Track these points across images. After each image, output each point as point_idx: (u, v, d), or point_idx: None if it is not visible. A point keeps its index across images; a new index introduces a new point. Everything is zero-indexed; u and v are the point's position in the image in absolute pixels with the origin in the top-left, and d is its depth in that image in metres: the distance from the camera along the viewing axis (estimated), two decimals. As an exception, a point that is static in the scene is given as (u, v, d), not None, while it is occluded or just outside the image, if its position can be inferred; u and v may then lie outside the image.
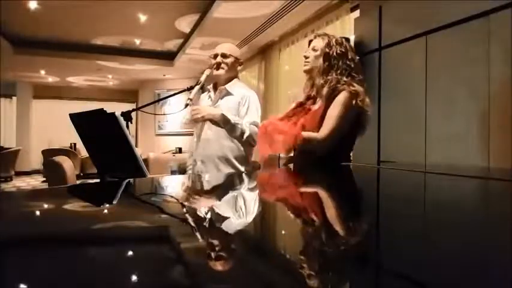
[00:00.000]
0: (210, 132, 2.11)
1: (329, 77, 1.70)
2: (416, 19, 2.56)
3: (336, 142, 1.64)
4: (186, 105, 2.09)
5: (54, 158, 3.97)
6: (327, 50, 1.74)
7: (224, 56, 2.13)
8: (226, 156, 2.09)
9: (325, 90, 1.69)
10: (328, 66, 1.73)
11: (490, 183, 1.34)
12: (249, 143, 2.11)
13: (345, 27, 3.96)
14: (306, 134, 1.64)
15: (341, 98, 1.64)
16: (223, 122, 2.03)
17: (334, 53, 1.73)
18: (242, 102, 2.10)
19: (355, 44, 3.07)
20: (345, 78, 1.69)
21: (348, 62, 1.73)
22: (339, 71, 1.71)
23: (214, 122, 2.06)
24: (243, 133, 2.04)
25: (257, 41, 5.85)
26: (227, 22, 4.97)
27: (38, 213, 0.80)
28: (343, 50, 1.74)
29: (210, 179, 1.51)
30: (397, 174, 1.71)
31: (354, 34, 3.17)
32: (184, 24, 5.88)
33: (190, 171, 2.24)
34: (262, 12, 4.66)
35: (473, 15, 2.14)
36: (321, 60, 1.75)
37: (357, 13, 3.72)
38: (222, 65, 2.12)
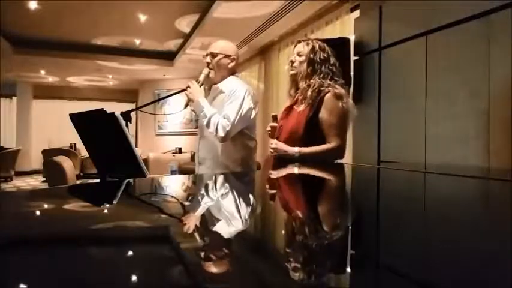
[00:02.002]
0: (206, 134, 2.09)
1: (312, 81, 1.78)
2: (416, 19, 2.56)
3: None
4: (186, 105, 2.08)
5: (54, 158, 3.97)
6: (311, 55, 1.82)
7: (212, 55, 2.09)
8: (219, 158, 2.05)
9: (309, 92, 1.76)
10: (311, 71, 1.81)
11: (490, 183, 1.34)
12: (242, 143, 2.06)
13: (345, 27, 3.96)
14: (319, 148, 1.72)
15: (329, 101, 1.73)
16: (197, 109, 2.00)
17: (318, 58, 1.81)
18: (227, 98, 2.02)
19: (355, 44, 3.08)
20: (328, 81, 1.77)
21: (330, 67, 1.82)
22: (321, 75, 1.79)
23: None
24: (208, 124, 1.97)
25: (257, 41, 5.85)
26: (227, 22, 4.97)
27: (38, 213, 0.80)
28: (325, 56, 1.83)
29: (203, 180, 1.51)
30: (397, 174, 1.71)
31: (354, 34, 3.17)
32: (184, 24, 5.88)
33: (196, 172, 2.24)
34: (262, 12, 4.66)
35: (473, 15, 2.14)
36: (305, 65, 1.82)
37: (357, 13, 3.72)
38: (211, 65, 2.09)
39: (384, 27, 2.83)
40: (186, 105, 2.09)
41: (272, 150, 1.82)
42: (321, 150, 1.72)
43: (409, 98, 2.61)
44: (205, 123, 1.98)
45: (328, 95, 1.73)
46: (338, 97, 1.73)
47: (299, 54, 1.86)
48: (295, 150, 1.73)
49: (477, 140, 2.12)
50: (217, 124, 1.95)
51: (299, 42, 1.92)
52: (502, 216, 0.76)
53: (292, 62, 1.88)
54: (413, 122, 2.55)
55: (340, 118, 1.74)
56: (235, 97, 2.00)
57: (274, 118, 1.98)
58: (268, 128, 1.97)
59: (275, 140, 1.83)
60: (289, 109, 1.88)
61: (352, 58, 3.06)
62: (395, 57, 2.75)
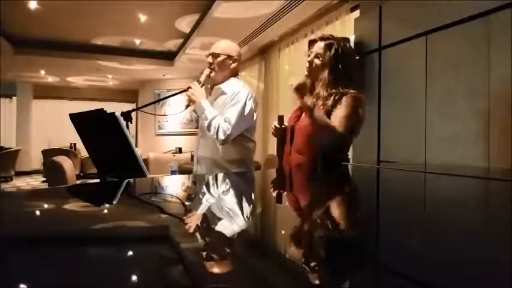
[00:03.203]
0: (207, 134, 2.08)
1: (334, 90, 1.68)
2: (416, 19, 2.56)
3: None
4: (187, 105, 2.08)
5: (54, 158, 3.96)
6: (333, 62, 1.71)
7: (214, 55, 2.08)
8: (218, 158, 2.04)
9: (330, 101, 1.67)
10: (333, 80, 1.70)
11: (490, 183, 1.34)
12: (240, 143, 2.05)
13: (345, 27, 3.96)
14: (330, 123, 1.64)
15: (344, 102, 1.66)
16: (198, 110, 1.99)
17: (340, 66, 1.70)
18: (229, 99, 2.01)
19: (355, 44, 3.08)
20: (351, 90, 1.68)
21: (352, 73, 1.73)
22: (344, 83, 1.69)
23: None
24: (209, 127, 1.96)
25: (257, 41, 5.85)
26: (227, 22, 4.97)
27: (38, 213, 0.80)
28: (347, 62, 1.72)
29: (204, 181, 1.51)
30: (397, 174, 1.71)
31: (354, 34, 3.18)
32: (184, 24, 5.88)
33: (193, 172, 2.23)
34: (262, 12, 4.66)
35: (473, 15, 2.14)
36: (326, 72, 1.71)
37: (357, 13, 3.72)
38: (213, 65, 2.07)
39: (384, 27, 2.83)
40: (187, 106, 2.08)
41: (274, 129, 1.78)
42: (330, 126, 1.62)
43: (409, 98, 2.61)
44: (206, 125, 1.97)
45: (346, 97, 1.66)
46: (357, 101, 1.66)
47: (318, 56, 1.74)
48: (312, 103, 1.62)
49: (477, 140, 2.12)
50: (218, 127, 1.94)
51: (320, 39, 1.78)
52: (502, 216, 0.76)
53: (309, 62, 1.76)
54: (413, 122, 2.55)
55: (353, 117, 1.65)
56: (237, 100, 1.99)
57: (280, 119, 1.89)
58: (273, 128, 1.91)
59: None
60: (301, 112, 1.80)
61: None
62: (396, 57, 2.75)
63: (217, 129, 1.94)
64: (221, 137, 1.94)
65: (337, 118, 1.65)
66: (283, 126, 1.87)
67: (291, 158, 1.79)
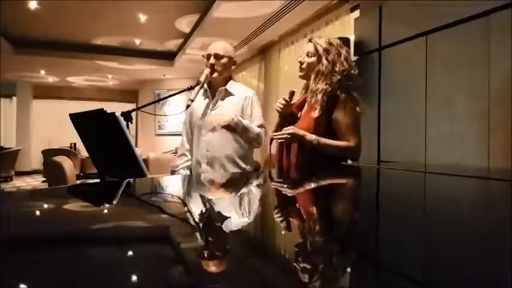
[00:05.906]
0: (213, 133, 2.09)
1: (327, 83, 1.69)
2: (416, 19, 2.56)
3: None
4: (187, 106, 2.08)
5: (54, 158, 3.97)
6: (325, 54, 1.72)
7: (217, 56, 2.09)
8: (231, 156, 2.09)
9: (320, 97, 1.67)
10: (326, 72, 1.71)
11: (490, 183, 1.34)
12: (252, 145, 2.15)
13: (345, 27, 3.96)
14: (338, 143, 1.66)
15: (346, 105, 1.66)
16: (236, 126, 2.05)
17: (332, 59, 1.71)
18: (246, 103, 2.12)
19: (355, 44, 3.08)
20: (343, 95, 1.67)
21: (347, 74, 1.71)
22: (337, 79, 1.69)
23: (228, 127, 2.05)
24: (254, 135, 2.08)
25: (257, 41, 5.85)
26: (227, 22, 4.97)
27: (38, 213, 0.80)
28: (338, 56, 1.72)
29: (217, 179, 1.51)
30: (397, 174, 1.71)
31: (354, 34, 3.18)
32: (184, 24, 5.88)
33: (184, 173, 2.22)
34: (262, 12, 4.66)
35: (473, 15, 2.14)
36: (317, 66, 1.73)
37: (356, 13, 3.72)
38: (216, 67, 2.08)
39: (384, 27, 2.83)
40: (188, 106, 2.08)
41: (286, 137, 1.66)
42: (340, 146, 1.65)
43: (409, 98, 2.61)
44: (250, 136, 2.08)
45: (345, 100, 1.66)
46: (354, 101, 1.67)
47: (308, 55, 1.77)
48: (313, 137, 1.64)
49: (477, 140, 2.12)
50: (261, 134, 2.11)
51: (310, 40, 1.81)
52: (501, 217, 0.76)
53: (301, 63, 1.80)
54: (413, 122, 2.55)
55: (356, 119, 1.68)
56: (252, 101, 2.14)
57: (292, 94, 1.79)
58: (282, 102, 1.78)
59: (291, 127, 1.68)
60: (300, 107, 1.81)
61: (352, 58, 3.06)
62: (395, 57, 2.75)
63: (262, 136, 2.11)
64: (263, 141, 2.13)
65: (345, 127, 1.65)
66: (292, 103, 1.80)
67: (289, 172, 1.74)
